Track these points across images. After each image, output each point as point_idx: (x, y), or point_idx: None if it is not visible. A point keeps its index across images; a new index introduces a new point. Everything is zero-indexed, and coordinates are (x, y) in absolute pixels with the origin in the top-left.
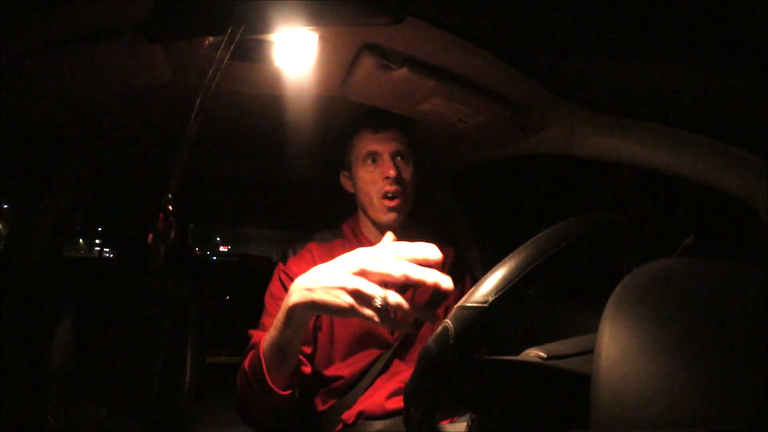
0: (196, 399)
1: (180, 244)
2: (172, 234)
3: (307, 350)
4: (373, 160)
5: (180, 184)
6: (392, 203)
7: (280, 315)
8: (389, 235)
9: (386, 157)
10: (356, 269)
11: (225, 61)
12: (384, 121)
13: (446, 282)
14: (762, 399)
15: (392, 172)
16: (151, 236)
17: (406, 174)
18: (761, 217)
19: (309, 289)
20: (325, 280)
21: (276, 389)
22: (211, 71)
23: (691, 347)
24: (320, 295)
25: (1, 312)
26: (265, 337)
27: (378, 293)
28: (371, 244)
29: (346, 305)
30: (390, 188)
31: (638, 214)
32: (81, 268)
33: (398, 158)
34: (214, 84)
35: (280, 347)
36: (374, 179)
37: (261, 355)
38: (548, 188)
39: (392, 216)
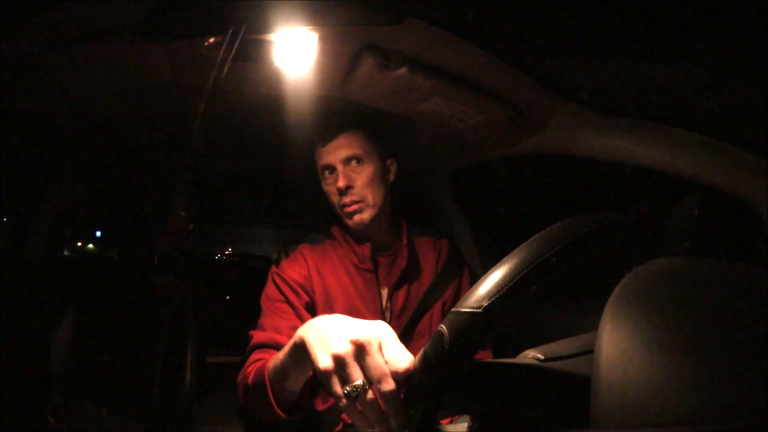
0: (196, 399)
1: (181, 245)
2: (186, 235)
3: None
4: (330, 172)
5: (189, 185)
6: (350, 209)
7: (290, 341)
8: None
9: (338, 168)
10: (361, 342)
11: (229, 61)
12: (330, 130)
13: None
14: (762, 399)
15: (341, 184)
16: (162, 239)
17: (362, 177)
18: (761, 217)
19: (314, 330)
20: (335, 325)
21: (280, 412)
22: (215, 71)
23: (691, 347)
24: (313, 337)
25: (1, 312)
26: (272, 359)
27: (356, 381)
28: (356, 245)
29: (322, 367)
30: (343, 199)
31: (638, 214)
32: (81, 268)
33: (352, 163)
34: (215, 84)
35: (285, 372)
36: (332, 191)
37: (266, 376)
38: (548, 188)
39: (355, 220)
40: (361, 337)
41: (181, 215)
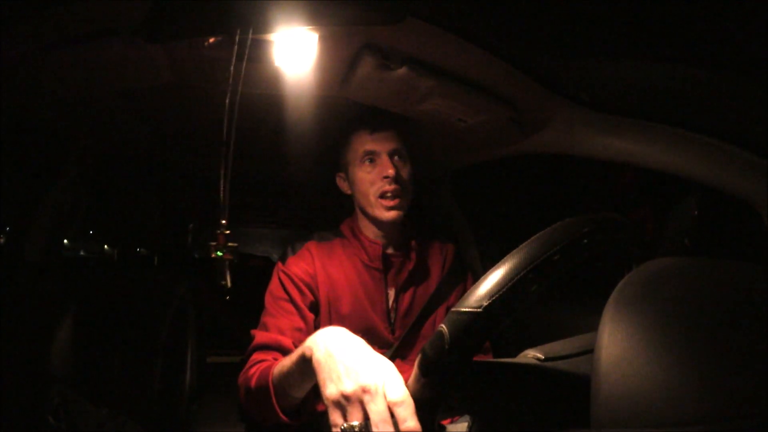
0: (196, 399)
1: (180, 244)
2: (234, 250)
3: None
4: (371, 160)
5: (228, 195)
6: (392, 202)
7: (297, 351)
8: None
9: (384, 157)
10: (368, 388)
11: (234, 62)
12: (381, 121)
13: None
14: (762, 398)
15: (391, 171)
16: (213, 254)
17: (404, 173)
18: (761, 217)
19: (326, 354)
20: (347, 360)
21: (283, 416)
22: (231, 73)
23: (691, 346)
24: (324, 365)
25: (1, 312)
26: (277, 365)
27: (354, 422)
28: (370, 242)
29: (328, 395)
30: (389, 187)
31: (638, 214)
32: (81, 268)
33: (396, 157)
34: (235, 88)
35: (290, 381)
36: (372, 179)
37: (270, 381)
38: (548, 188)
39: (393, 214)
40: (370, 384)
41: (224, 232)
